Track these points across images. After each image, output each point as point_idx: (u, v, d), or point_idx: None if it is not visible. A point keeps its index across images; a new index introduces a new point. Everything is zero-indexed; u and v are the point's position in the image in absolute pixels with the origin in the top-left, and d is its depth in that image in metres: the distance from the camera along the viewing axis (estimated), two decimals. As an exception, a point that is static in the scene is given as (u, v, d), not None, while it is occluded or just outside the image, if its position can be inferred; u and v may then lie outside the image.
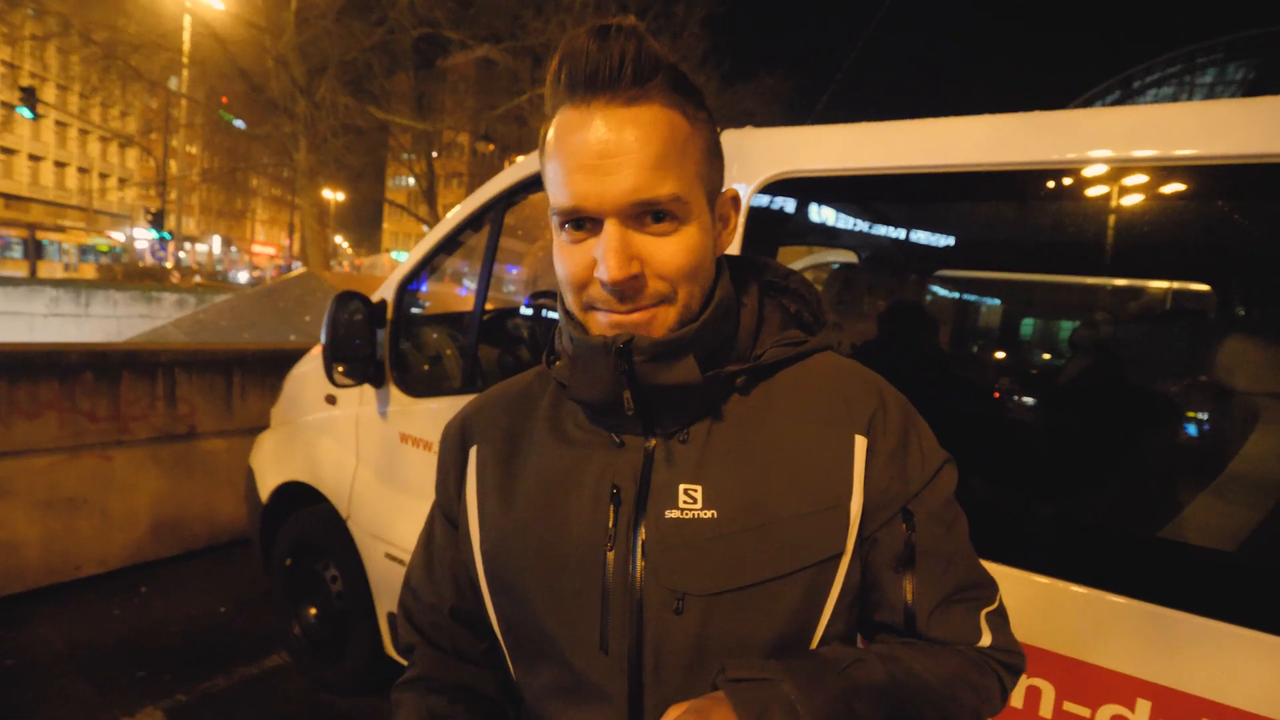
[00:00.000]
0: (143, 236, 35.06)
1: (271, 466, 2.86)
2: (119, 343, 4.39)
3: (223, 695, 2.70)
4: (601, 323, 0.65)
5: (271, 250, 51.51)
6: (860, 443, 0.68)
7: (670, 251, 0.62)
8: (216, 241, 48.25)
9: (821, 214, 1.60)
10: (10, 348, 3.29)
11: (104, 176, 43.97)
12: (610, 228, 0.60)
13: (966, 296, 1.54)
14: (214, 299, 11.44)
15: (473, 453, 0.77)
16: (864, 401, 0.70)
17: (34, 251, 26.02)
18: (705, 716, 0.56)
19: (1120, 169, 1.21)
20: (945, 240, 1.50)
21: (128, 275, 23.96)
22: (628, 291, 0.62)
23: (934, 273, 1.58)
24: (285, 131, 13.21)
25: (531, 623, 0.70)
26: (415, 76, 16.80)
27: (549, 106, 0.64)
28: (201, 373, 3.88)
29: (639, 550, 0.65)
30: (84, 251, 31.75)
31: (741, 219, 1.60)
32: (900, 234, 1.56)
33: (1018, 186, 1.34)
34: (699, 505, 0.65)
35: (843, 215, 1.58)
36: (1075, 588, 1.20)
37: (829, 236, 1.67)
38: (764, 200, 1.59)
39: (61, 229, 32.48)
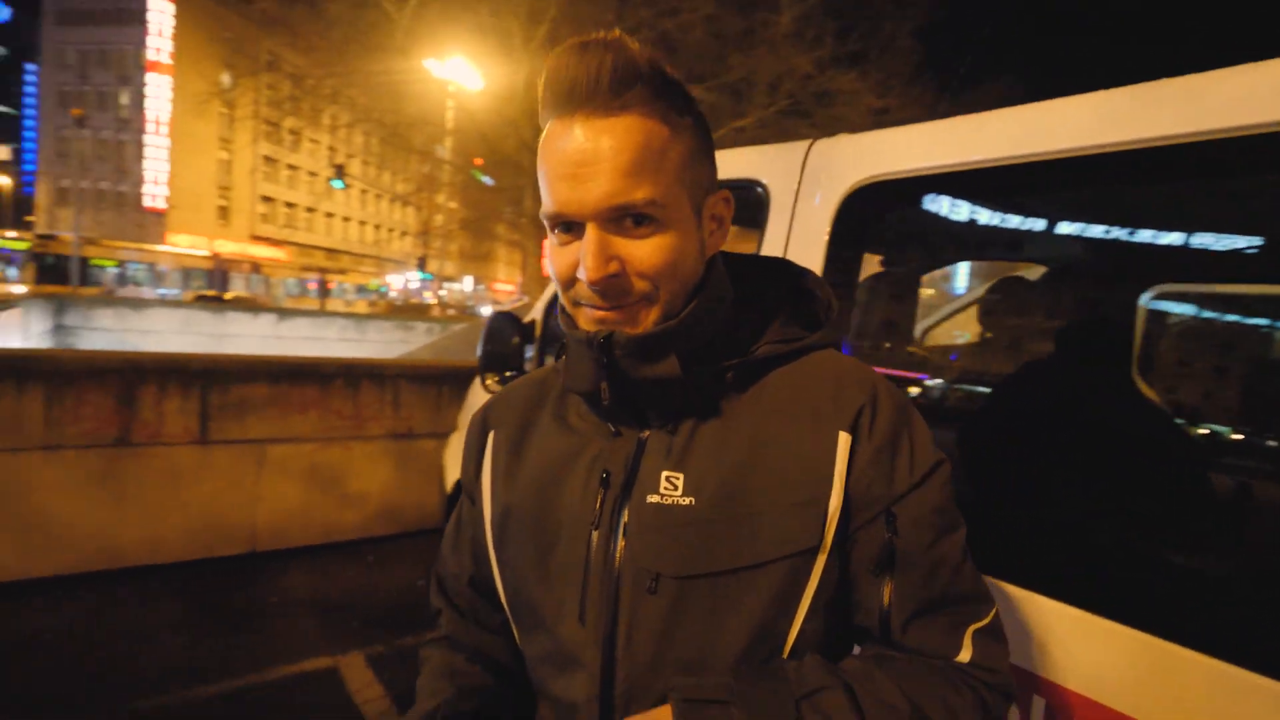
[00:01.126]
0: (413, 278, 42.36)
1: (453, 463, 3.35)
2: (361, 358, 5.39)
3: (410, 651, 3.21)
4: (589, 317, 0.68)
5: (510, 287, 58.69)
6: (844, 440, 0.67)
7: (647, 252, 0.64)
8: (469, 281, 56.36)
9: (909, 215, 1.54)
10: (288, 359, 4.28)
11: (390, 230, 54.14)
12: (590, 231, 0.63)
13: (1069, 290, 1.37)
14: (453, 328, 13.51)
15: (490, 437, 0.82)
16: (853, 399, 0.69)
17: (322, 292, 33.61)
18: None
19: (1253, 138, 1.02)
20: (1039, 231, 1.36)
21: (394, 309, 29.23)
22: (609, 291, 0.65)
23: (1031, 265, 1.44)
24: (518, 184, 15.19)
25: (527, 593, 0.75)
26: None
27: (541, 119, 0.67)
28: (419, 384, 4.66)
29: (621, 531, 0.68)
30: (359, 290, 40.11)
31: (828, 226, 1.60)
32: (992, 228, 1.44)
33: (1125, 168, 1.18)
34: (679, 492, 0.67)
35: (931, 215, 1.51)
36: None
37: (918, 237, 1.59)
38: (850, 206, 1.57)
39: (343, 272, 40.79)
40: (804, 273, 0.80)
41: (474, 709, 0.76)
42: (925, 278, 1.85)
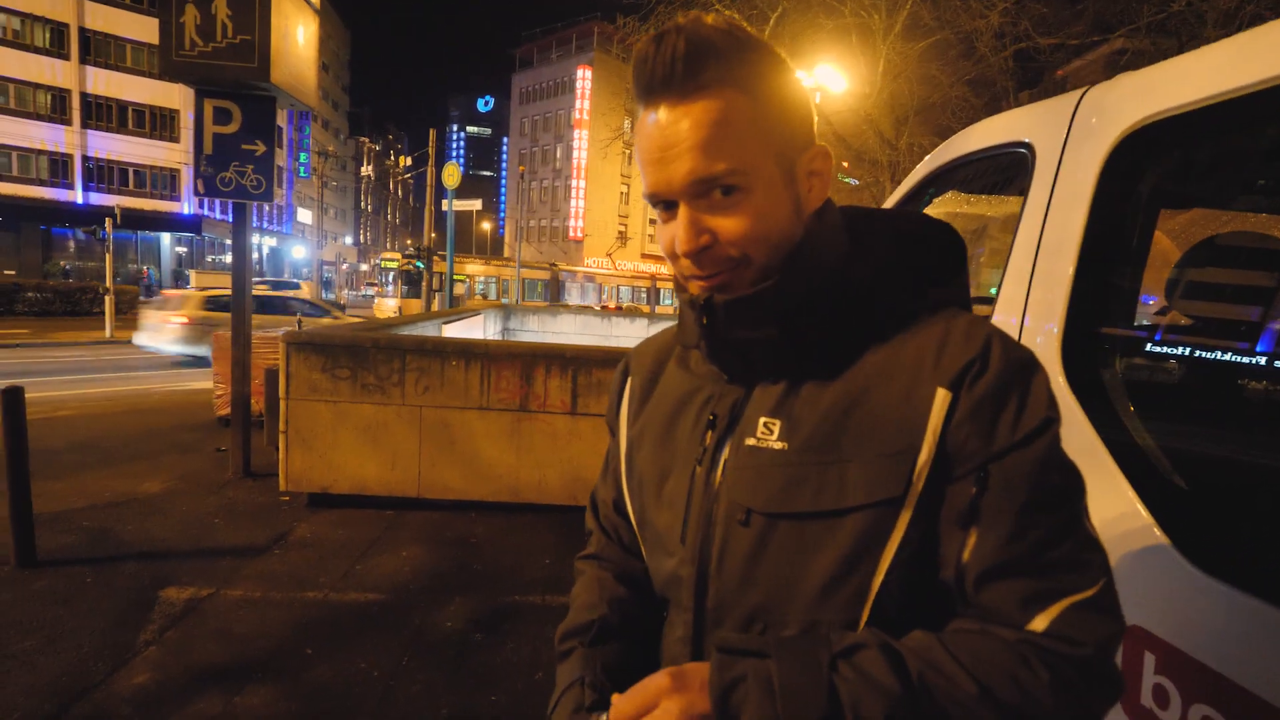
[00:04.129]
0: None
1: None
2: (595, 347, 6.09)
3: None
4: (695, 285, 0.72)
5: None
6: (941, 395, 0.65)
7: (735, 222, 0.66)
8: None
9: (1200, 156, 1.26)
10: (530, 346, 5.12)
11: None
12: (681, 208, 0.67)
13: None
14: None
15: (628, 382, 0.91)
16: (960, 355, 0.66)
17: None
18: (683, 676, 0.63)
19: None
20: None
21: (619, 310, 32.35)
22: (703, 261, 0.68)
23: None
24: (879, 180, 14.78)
25: (649, 515, 0.81)
26: (1028, 96, 15.89)
27: (635, 108, 0.71)
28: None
29: (721, 467, 0.73)
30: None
31: (1092, 184, 1.40)
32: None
33: None
34: (774, 436, 0.70)
35: (1230, 152, 1.21)
36: None
37: (1218, 184, 1.27)
38: (1121, 154, 1.35)
39: (573, 273, 45.28)
40: (927, 221, 0.79)
41: (621, 621, 0.85)
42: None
